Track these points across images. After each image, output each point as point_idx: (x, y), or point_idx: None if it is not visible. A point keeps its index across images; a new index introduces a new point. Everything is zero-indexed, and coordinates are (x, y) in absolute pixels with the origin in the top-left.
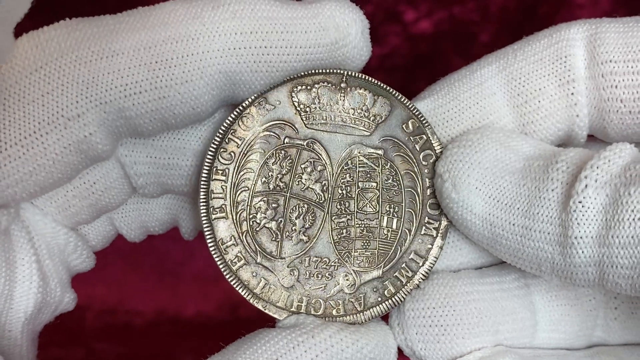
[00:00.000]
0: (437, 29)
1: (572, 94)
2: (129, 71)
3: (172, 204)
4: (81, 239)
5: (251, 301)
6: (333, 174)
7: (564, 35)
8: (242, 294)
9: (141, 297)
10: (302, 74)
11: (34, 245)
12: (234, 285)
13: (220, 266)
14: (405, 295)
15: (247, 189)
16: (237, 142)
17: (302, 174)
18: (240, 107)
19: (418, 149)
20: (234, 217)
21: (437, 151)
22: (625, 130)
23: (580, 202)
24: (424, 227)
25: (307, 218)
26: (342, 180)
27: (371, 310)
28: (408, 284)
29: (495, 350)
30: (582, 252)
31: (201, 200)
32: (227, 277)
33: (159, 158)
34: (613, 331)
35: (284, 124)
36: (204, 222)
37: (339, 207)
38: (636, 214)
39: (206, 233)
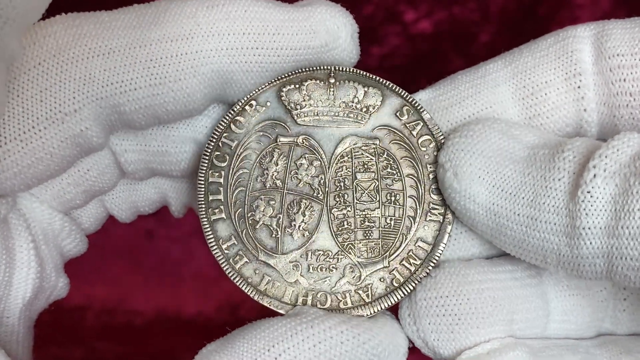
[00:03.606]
0: (437, 29)
1: (579, 87)
2: (124, 68)
3: (161, 183)
4: (75, 224)
5: (256, 298)
6: (329, 168)
7: (571, 33)
8: (246, 291)
9: (141, 297)
10: (290, 73)
11: (31, 232)
12: (238, 284)
13: (223, 265)
14: (415, 283)
15: (243, 188)
16: (230, 145)
17: (297, 169)
18: (232, 111)
19: (415, 135)
20: (233, 217)
21: (435, 135)
22: (637, 125)
23: (589, 192)
24: (428, 214)
25: (305, 213)
26: (339, 173)
27: (380, 300)
28: (417, 272)
29: (505, 342)
30: (591, 243)
31: (199, 202)
32: (230, 275)
33: (149, 146)
34: (621, 322)
35: (276, 123)
36: (204, 222)
37: (337, 199)
38: None
39: (206, 233)
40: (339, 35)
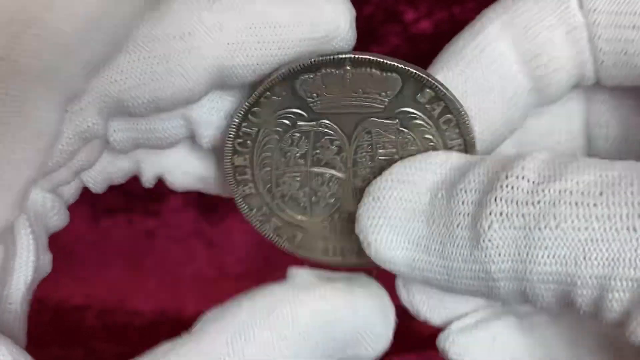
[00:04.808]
0: (437, 29)
1: (578, 40)
2: (128, 65)
3: (135, 154)
4: (61, 200)
5: (289, 250)
6: (350, 148)
7: None
8: (281, 245)
9: (141, 297)
10: (303, 64)
11: (28, 215)
12: (273, 240)
13: (257, 228)
14: None
15: (269, 168)
16: (250, 133)
17: (319, 151)
18: (247, 104)
19: (436, 116)
20: (262, 191)
21: (456, 115)
22: (613, 81)
23: (489, 240)
24: None
25: (330, 185)
26: (361, 152)
27: None
28: None
29: (493, 311)
30: (505, 286)
31: (229, 182)
32: (265, 235)
33: (137, 124)
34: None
35: (293, 112)
36: (237, 198)
37: (359, 173)
38: (549, 251)
39: (239, 206)
40: (338, 24)
